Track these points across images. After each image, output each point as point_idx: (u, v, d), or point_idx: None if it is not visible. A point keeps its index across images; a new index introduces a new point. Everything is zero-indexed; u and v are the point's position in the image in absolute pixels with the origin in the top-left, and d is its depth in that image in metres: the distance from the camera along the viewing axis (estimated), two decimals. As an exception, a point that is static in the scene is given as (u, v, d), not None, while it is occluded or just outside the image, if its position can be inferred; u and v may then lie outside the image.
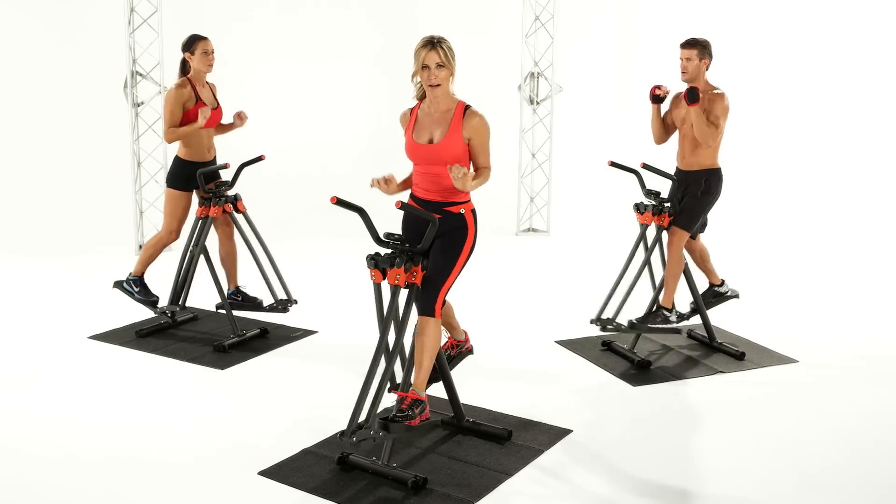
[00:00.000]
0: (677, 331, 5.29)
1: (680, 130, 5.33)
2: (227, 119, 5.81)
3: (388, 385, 3.85)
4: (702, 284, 5.55)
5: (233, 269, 5.78)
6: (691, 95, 5.02)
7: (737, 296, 5.66)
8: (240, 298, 5.74)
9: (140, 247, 7.96)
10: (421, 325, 3.81)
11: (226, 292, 5.71)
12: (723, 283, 5.62)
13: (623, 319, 5.28)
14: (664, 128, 5.44)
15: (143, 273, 5.72)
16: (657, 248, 5.29)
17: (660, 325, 5.21)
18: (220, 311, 5.83)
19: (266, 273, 5.65)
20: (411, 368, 3.85)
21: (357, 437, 3.66)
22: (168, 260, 6.11)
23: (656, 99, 5.35)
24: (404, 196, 3.98)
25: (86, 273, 7.18)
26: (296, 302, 5.69)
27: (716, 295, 5.61)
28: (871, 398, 4.77)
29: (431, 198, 3.88)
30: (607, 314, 5.30)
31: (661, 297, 5.28)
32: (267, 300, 5.77)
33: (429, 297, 3.80)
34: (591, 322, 5.29)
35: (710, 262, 5.57)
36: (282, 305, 5.66)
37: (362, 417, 3.77)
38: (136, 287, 5.70)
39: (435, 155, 3.83)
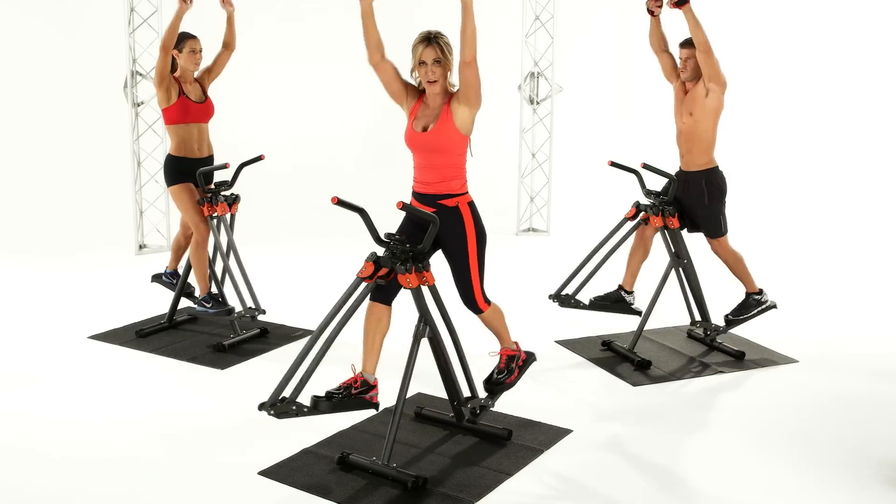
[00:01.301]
0: (774, 306, 5.45)
1: (677, 126, 5.32)
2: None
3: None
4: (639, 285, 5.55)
5: (180, 255, 5.80)
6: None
7: (640, 312, 5.41)
8: (175, 281, 5.76)
9: (140, 247, 7.96)
10: (482, 320, 4.14)
11: (164, 270, 5.83)
12: (632, 293, 5.47)
13: (584, 299, 5.39)
14: (664, 42, 5.42)
15: (208, 287, 5.54)
16: (630, 237, 5.36)
17: (756, 311, 5.39)
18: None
19: (236, 281, 5.58)
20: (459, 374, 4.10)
21: (276, 411, 3.59)
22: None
23: (651, 13, 5.37)
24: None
25: (86, 273, 7.18)
26: (264, 311, 5.59)
27: (618, 300, 5.44)
28: (872, 398, 4.77)
29: (428, 191, 3.92)
30: (568, 291, 5.38)
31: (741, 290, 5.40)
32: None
33: (469, 302, 4.03)
34: (550, 297, 5.38)
35: (639, 266, 5.44)
36: (250, 314, 5.56)
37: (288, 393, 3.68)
38: (207, 304, 5.52)
39: (428, 142, 3.87)
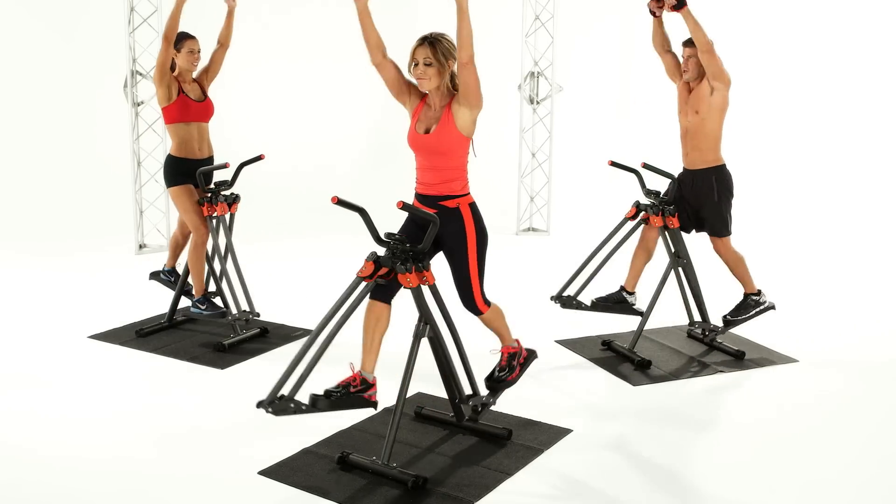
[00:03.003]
0: (773, 307, 5.44)
1: (682, 125, 5.31)
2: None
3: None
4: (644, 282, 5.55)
5: (178, 252, 5.84)
6: (679, 2, 4.96)
7: (641, 313, 5.39)
8: (172, 279, 5.82)
9: (140, 247, 7.96)
10: (483, 321, 4.15)
11: (162, 268, 5.88)
12: (633, 293, 5.47)
13: (585, 300, 5.40)
14: (667, 42, 5.43)
15: (204, 289, 5.59)
16: (631, 238, 5.34)
17: (754, 312, 5.38)
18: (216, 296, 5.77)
19: (232, 283, 5.57)
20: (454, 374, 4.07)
21: (275, 408, 3.59)
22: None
23: (653, 14, 5.37)
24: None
25: (86, 273, 7.18)
26: (258, 314, 5.61)
27: (619, 300, 5.44)
28: (872, 398, 4.77)
29: (429, 192, 3.93)
30: (570, 292, 5.40)
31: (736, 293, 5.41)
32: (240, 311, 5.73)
33: (469, 303, 4.03)
34: (551, 298, 5.39)
35: (642, 267, 5.45)
36: (244, 317, 5.56)
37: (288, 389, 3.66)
38: (202, 306, 5.58)
39: (430, 145, 3.87)
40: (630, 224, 5.32)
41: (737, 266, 5.36)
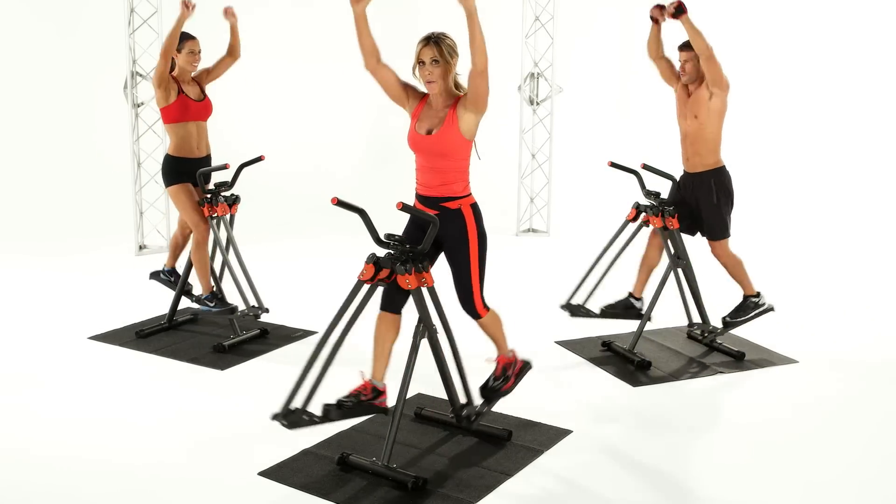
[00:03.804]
0: (772, 309, 5.40)
1: (681, 129, 5.32)
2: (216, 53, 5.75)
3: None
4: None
5: (178, 253, 5.83)
6: (678, 9, 4.97)
7: (649, 318, 5.38)
8: (172, 279, 5.79)
9: (140, 247, 7.96)
10: (480, 326, 4.08)
11: (162, 268, 5.85)
12: (640, 299, 5.48)
13: (594, 307, 5.40)
14: (661, 49, 5.42)
15: (210, 286, 5.52)
16: (633, 242, 5.34)
17: (753, 313, 5.36)
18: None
19: (238, 280, 5.53)
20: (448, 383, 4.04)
21: (289, 421, 3.64)
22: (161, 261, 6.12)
23: (654, 20, 5.36)
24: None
25: (86, 273, 7.18)
26: (267, 310, 5.56)
27: (628, 306, 5.44)
28: (872, 398, 4.77)
29: (431, 193, 3.90)
30: (577, 300, 5.42)
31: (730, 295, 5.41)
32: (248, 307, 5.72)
33: (469, 306, 3.99)
34: (561, 307, 5.40)
35: (649, 273, 5.46)
36: (253, 312, 5.52)
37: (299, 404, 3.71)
38: (210, 303, 5.52)
39: (432, 146, 3.84)
40: (632, 226, 5.32)
41: (735, 269, 5.36)
